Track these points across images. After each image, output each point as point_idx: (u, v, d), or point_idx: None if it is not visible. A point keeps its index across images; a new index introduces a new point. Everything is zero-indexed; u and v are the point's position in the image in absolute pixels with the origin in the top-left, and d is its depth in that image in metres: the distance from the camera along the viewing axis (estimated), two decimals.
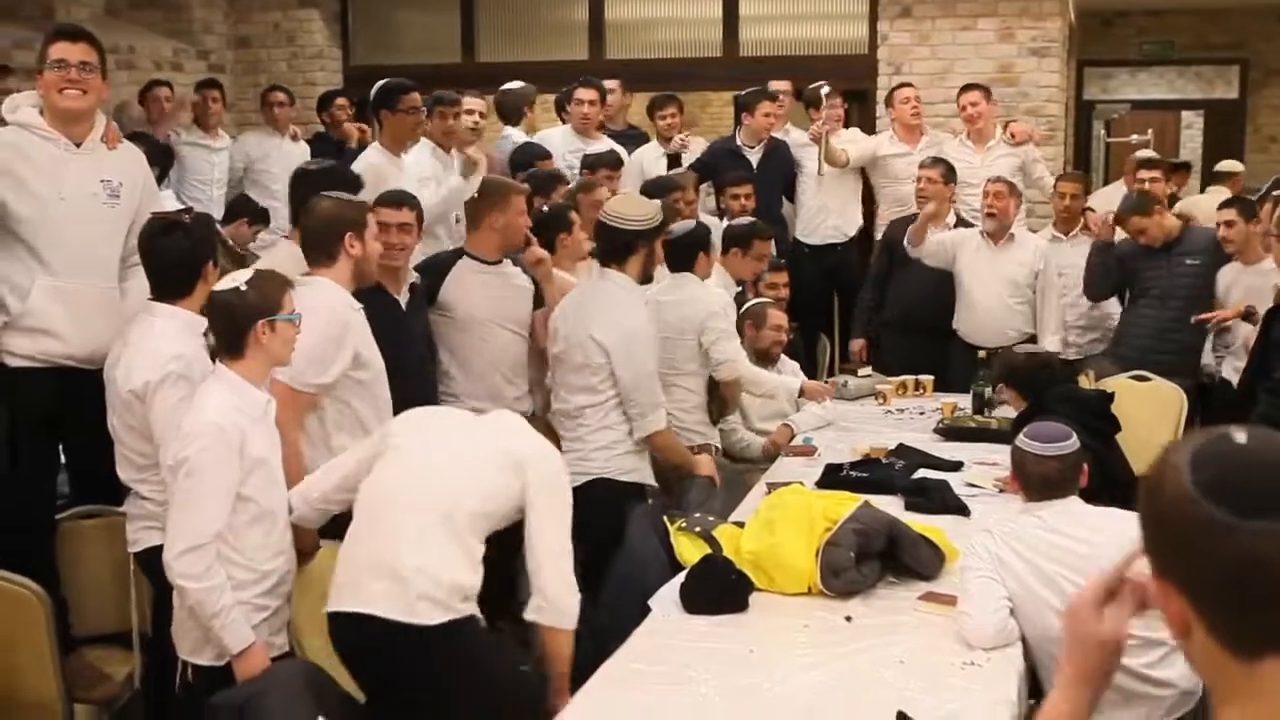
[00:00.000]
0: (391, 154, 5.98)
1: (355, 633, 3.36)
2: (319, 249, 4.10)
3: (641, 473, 4.76)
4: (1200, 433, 1.40)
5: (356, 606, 3.33)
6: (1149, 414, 5.84)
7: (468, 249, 5.12)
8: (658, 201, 5.06)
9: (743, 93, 7.83)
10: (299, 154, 8.33)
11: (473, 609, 3.39)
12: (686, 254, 5.28)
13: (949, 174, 6.96)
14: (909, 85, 7.79)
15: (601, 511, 4.30)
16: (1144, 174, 6.99)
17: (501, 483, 3.46)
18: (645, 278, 4.81)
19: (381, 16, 9.74)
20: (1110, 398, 4.97)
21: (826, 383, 6.38)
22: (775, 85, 8.04)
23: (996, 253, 6.61)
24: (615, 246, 4.72)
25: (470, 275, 5.04)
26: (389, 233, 4.54)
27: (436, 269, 5.05)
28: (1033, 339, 6.45)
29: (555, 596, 3.47)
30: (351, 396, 4.06)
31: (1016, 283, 6.58)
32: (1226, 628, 1.31)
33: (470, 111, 6.78)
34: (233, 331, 3.50)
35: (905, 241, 6.81)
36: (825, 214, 7.80)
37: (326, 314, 3.85)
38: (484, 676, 3.35)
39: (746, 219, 6.30)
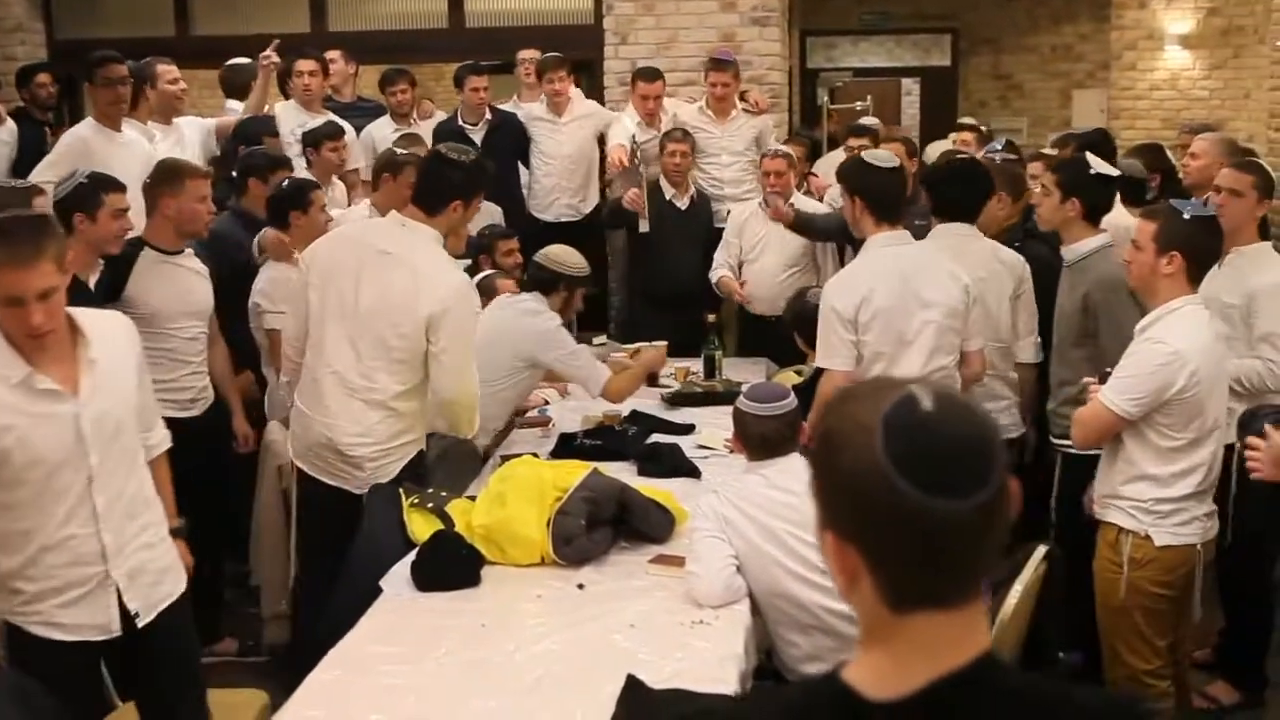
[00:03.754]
0: (107, 128, 5.74)
1: None
2: None
3: None
4: (881, 388, 1.41)
5: None
6: None
7: (146, 238, 4.87)
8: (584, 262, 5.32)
9: (457, 67, 7.75)
10: None
11: None
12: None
13: (693, 148, 7.08)
14: (646, 78, 7.55)
15: None
16: (853, 141, 7.22)
17: None
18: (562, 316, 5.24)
19: None
20: None
21: None
22: (524, 52, 7.98)
23: (779, 226, 6.69)
24: (542, 281, 5.21)
25: (153, 267, 4.85)
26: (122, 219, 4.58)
27: (120, 261, 4.77)
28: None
29: None
30: None
31: (799, 253, 6.70)
32: (892, 585, 1.38)
33: (174, 81, 6.51)
34: None
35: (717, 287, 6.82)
36: (560, 193, 7.73)
37: None
38: None
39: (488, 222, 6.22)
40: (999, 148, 6.96)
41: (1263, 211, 4.68)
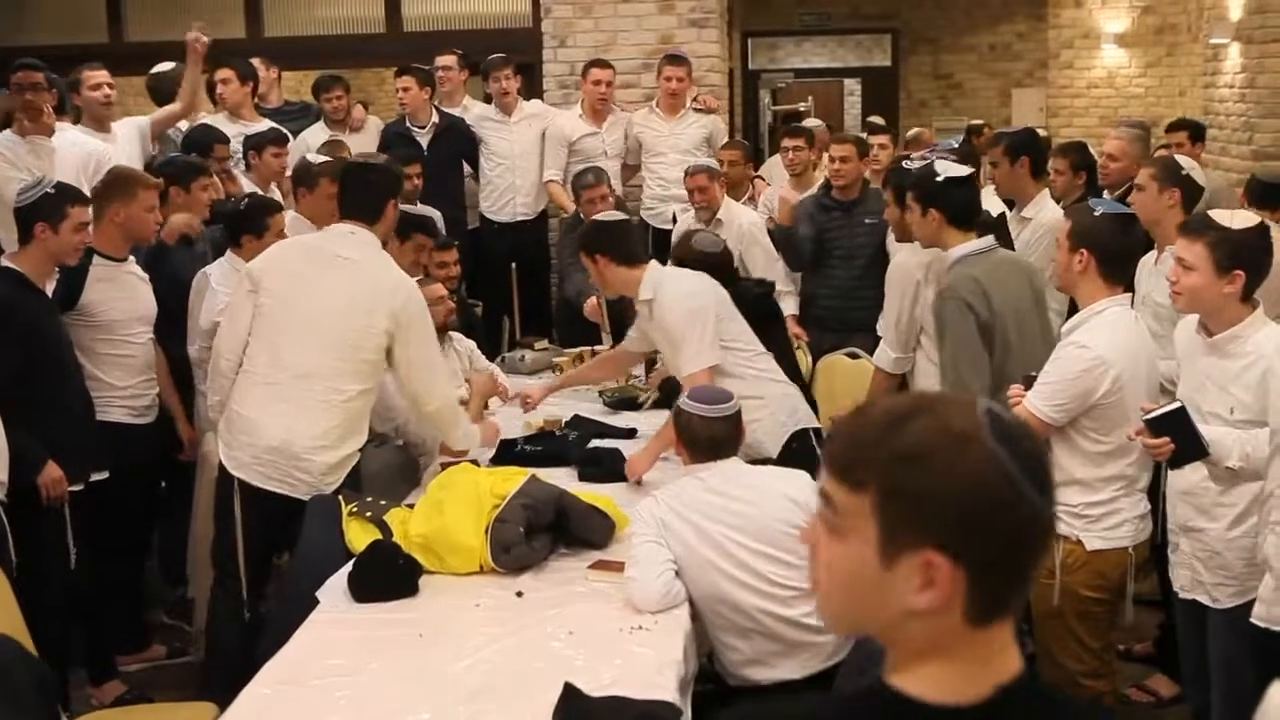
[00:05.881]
0: (26, 136, 5.67)
1: None
2: None
3: None
4: (936, 401, 1.36)
5: None
6: (856, 388, 5.85)
7: (94, 245, 4.82)
8: None
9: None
10: None
11: None
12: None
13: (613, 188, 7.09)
14: (599, 65, 7.70)
15: None
16: (788, 141, 7.22)
17: None
18: None
19: None
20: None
21: (503, 358, 6.39)
22: (441, 59, 7.94)
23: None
24: None
25: (105, 275, 4.86)
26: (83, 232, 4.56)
27: (75, 271, 4.75)
28: None
29: None
30: None
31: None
32: (985, 596, 1.31)
33: (97, 86, 6.41)
34: None
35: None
36: (514, 192, 7.75)
37: None
38: None
39: (415, 209, 6.16)
40: (954, 145, 6.96)
41: (1171, 202, 4.55)
